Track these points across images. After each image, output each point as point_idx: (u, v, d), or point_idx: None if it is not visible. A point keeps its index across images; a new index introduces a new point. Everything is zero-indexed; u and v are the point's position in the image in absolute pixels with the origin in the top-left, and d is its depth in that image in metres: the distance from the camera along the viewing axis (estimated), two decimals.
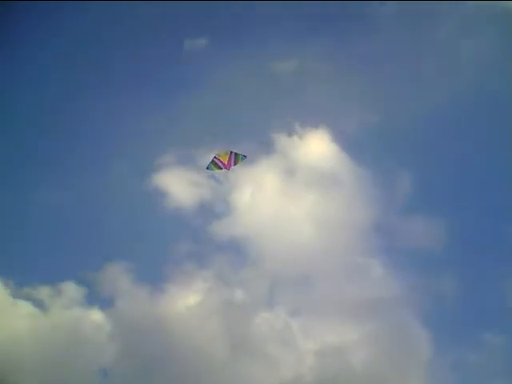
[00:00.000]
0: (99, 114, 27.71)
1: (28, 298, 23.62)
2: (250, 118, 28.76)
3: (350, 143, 28.36)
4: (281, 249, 26.82)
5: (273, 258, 26.39)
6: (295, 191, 28.35)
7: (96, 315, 24.01)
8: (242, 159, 23.10)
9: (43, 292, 23.95)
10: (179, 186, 27.37)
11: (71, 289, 24.29)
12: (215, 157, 23.02)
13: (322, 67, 29.67)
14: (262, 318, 25.03)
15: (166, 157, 27.67)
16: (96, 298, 24.32)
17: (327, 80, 29.56)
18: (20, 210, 25.97)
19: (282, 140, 28.58)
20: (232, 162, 22.97)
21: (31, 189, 26.31)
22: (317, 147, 28.55)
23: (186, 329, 23.87)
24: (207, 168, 23.29)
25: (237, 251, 26.55)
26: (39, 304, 23.66)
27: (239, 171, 27.78)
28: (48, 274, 24.26)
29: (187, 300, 25.00)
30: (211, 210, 27.35)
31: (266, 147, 28.36)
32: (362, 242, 26.91)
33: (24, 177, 26.80)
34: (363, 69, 29.89)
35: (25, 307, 23.54)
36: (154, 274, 25.28)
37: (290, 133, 28.73)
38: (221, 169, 23.16)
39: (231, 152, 22.94)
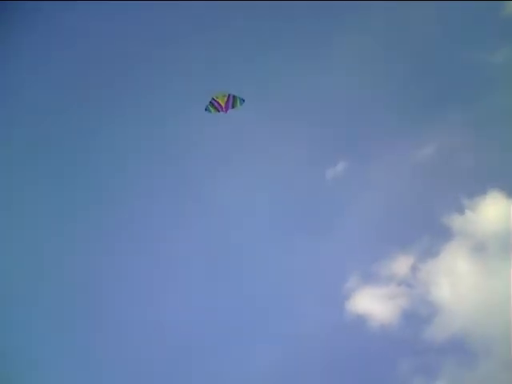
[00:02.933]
0: None
1: None
2: (416, 213, 28.18)
3: None
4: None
5: (507, 344, 23.69)
6: (494, 266, 26.17)
7: None
8: (241, 103, 22.25)
9: None
10: (375, 303, 26.53)
11: None
12: (213, 98, 22.50)
13: (464, 134, 29.09)
14: None
15: (350, 282, 27.37)
16: None
17: (472, 146, 28.81)
18: None
19: (456, 220, 27.27)
20: (229, 105, 22.30)
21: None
22: (495, 212, 26.74)
23: None
24: (205, 109, 22.70)
25: (462, 350, 24.43)
26: None
27: (427, 268, 26.95)
28: None
29: None
30: (417, 317, 25.79)
31: (445, 233, 27.17)
32: None
33: None
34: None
35: None
36: None
37: (461, 209, 27.46)
38: (218, 111, 22.53)
39: (229, 95, 22.28)
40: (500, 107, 29.12)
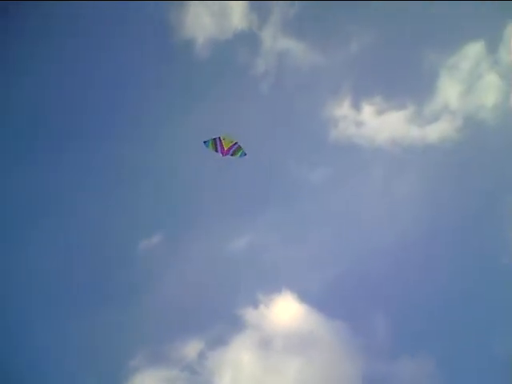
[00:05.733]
0: None
1: None
2: (214, 301, 28.67)
3: (316, 299, 28.35)
4: None
5: None
6: (276, 362, 27.19)
7: None
8: (242, 155, 21.69)
9: None
10: None
11: None
12: (220, 138, 21.68)
13: (273, 235, 30.91)
14: None
15: (136, 359, 26.48)
16: None
17: (280, 245, 30.67)
18: None
19: (249, 313, 28.18)
20: (231, 152, 21.69)
21: None
22: (285, 311, 28.23)
23: None
24: (204, 142, 21.72)
25: None
26: None
27: (214, 356, 27.12)
28: None
29: None
30: None
31: (236, 325, 27.83)
32: None
33: None
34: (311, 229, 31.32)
35: None
36: None
37: (256, 304, 28.55)
38: (216, 151, 21.77)
39: (236, 142, 21.70)
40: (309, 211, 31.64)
